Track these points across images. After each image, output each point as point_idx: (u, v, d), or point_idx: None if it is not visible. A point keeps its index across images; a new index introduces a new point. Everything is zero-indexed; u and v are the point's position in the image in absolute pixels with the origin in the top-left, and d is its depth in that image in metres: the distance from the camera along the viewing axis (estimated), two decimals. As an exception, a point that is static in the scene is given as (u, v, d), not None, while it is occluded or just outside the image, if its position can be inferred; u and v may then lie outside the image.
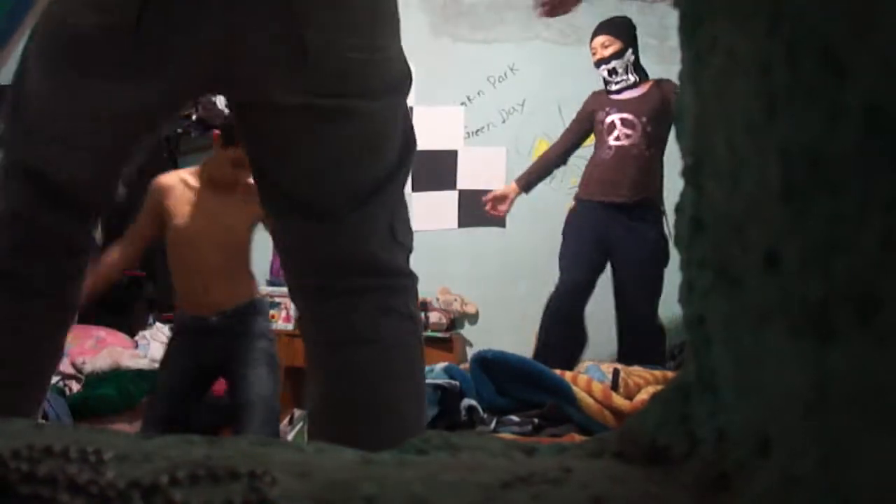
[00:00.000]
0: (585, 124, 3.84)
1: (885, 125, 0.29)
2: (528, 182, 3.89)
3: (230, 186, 2.89)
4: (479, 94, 5.15)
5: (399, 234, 1.26)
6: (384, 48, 1.19)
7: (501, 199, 3.89)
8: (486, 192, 4.98)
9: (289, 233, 1.26)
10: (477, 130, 5.16)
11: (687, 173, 0.52)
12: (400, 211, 1.28)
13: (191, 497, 0.42)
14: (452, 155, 5.12)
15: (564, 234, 3.77)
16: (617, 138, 3.62)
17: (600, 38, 3.73)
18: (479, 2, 5.14)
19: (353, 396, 1.21)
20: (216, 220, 2.88)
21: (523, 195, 3.92)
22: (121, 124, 1.18)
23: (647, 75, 3.75)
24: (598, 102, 3.78)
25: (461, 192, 5.09)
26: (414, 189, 5.18)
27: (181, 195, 2.87)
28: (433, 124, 5.14)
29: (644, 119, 3.59)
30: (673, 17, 0.55)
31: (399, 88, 1.23)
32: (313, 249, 1.23)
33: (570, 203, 3.84)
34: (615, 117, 3.64)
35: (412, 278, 1.30)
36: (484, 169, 5.06)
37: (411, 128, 1.28)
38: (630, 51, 3.72)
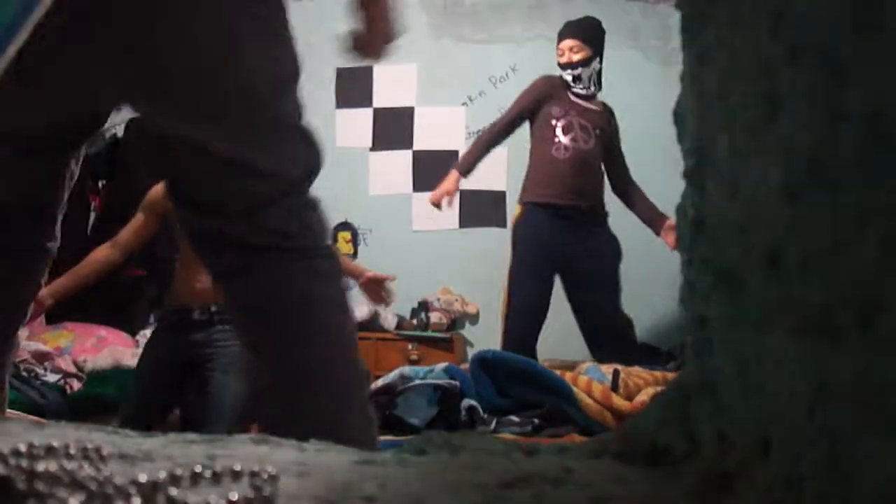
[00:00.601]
0: (531, 106, 3.70)
1: (885, 128, 0.29)
2: (469, 165, 3.77)
3: None
4: (480, 94, 5.14)
5: (313, 225, 1.30)
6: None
7: (449, 192, 3.75)
8: (487, 192, 4.98)
9: (193, 223, 1.31)
10: (478, 130, 5.13)
11: (688, 174, 0.52)
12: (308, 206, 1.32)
13: (191, 495, 0.42)
14: (453, 155, 5.10)
15: (515, 245, 3.62)
16: (574, 139, 3.55)
17: (569, 42, 3.63)
18: (481, 2, 5.13)
19: (280, 361, 1.24)
20: None
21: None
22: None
23: (600, 89, 3.71)
24: (556, 96, 3.66)
25: (462, 193, 5.08)
26: (415, 189, 5.18)
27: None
28: (434, 124, 5.14)
29: (597, 132, 3.58)
30: (676, 19, 0.55)
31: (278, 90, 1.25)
32: (214, 234, 1.26)
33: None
34: (574, 119, 3.58)
35: (334, 256, 1.33)
36: (485, 169, 5.04)
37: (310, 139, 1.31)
38: (597, 60, 3.67)
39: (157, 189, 2.89)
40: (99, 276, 2.87)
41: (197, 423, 2.81)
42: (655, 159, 3.67)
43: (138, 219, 2.92)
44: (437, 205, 3.76)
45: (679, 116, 0.56)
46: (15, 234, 1.28)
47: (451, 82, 5.05)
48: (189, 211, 1.29)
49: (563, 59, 3.65)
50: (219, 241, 1.26)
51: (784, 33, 0.35)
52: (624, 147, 3.80)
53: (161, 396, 2.87)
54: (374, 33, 1.42)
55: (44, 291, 2.57)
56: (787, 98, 0.35)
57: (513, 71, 5.13)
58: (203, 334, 2.89)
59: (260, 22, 1.21)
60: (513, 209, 4.09)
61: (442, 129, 5.13)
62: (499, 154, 5.04)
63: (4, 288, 1.30)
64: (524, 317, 3.52)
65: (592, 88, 3.64)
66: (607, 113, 3.66)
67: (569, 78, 3.63)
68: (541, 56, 5.01)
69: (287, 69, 1.25)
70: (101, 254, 2.87)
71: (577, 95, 3.62)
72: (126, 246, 2.90)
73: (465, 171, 3.77)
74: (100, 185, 4.91)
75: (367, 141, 5.33)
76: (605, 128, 3.59)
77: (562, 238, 3.50)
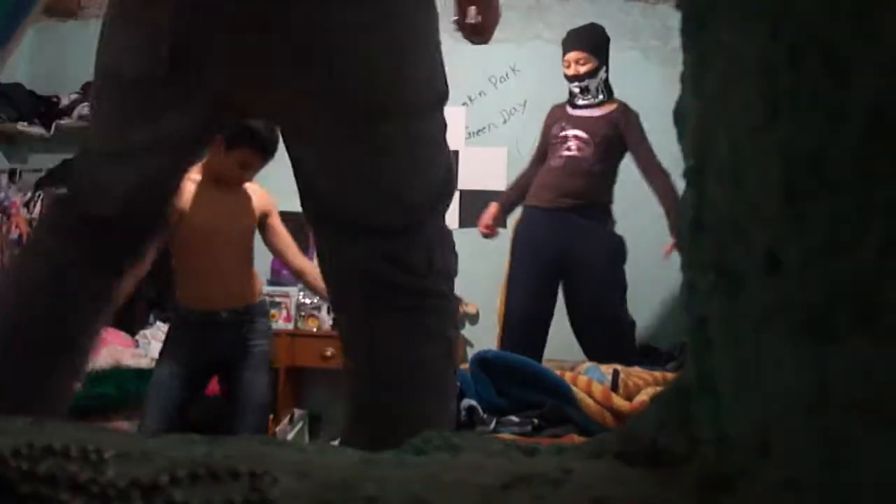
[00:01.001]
0: (546, 137, 3.79)
1: (886, 128, 0.29)
2: (507, 208, 3.86)
3: (235, 186, 2.94)
4: (480, 94, 5.14)
5: (437, 263, 1.26)
6: (413, 65, 1.23)
7: (494, 220, 3.84)
8: (487, 192, 4.98)
9: (330, 252, 1.30)
10: (478, 131, 5.16)
11: (689, 175, 0.52)
12: (442, 240, 1.29)
13: (191, 496, 0.42)
14: (453, 155, 5.12)
15: (514, 249, 3.66)
16: (568, 149, 3.60)
17: (575, 54, 3.64)
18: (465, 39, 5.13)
19: (378, 411, 1.23)
20: (230, 220, 2.94)
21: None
22: (161, 154, 1.25)
23: (612, 93, 3.72)
24: (555, 117, 3.74)
25: (462, 193, 5.08)
26: (415, 189, 5.18)
27: (192, 194, 2.88)
28: (434, 125, 5.14)
29: (597, 139, 3.59)
30: (676, 19, 0.55)
31: (434, 107, 1.28)
32: (353, 268, 1.25)
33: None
34: (570, 132, 3.62)
35: (450, 301, 1.30)
36: (485, 169, 5.06)
37: (450, 166, 1.32)
38: (604, 69, 3.68)
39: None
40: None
41: (230, 420, 2.88)
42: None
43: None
44: (488, 235, 3.87)
45: (679, 117, 0.56)
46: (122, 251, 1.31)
47: (450, 82, 5.04)
48: (342, 235, 1.27)
49: (570, 72, 3.67)
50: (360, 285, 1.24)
51: (784, 34, 0.35)
52: (589, 152, 3.82)
53: (185, 398, 2.89)
54: (486, 17, 1.54)
55: None
56: (787, 99, 0.35)
57: (513, 71, 5.14)
58: (232, 336, 2.93)
59: (423, 37, 1.27)
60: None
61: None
62: (498, 154, 5.05)
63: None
64: (519, 322, 3.54)
65: (600, 97, 3.66)
66: (617, 112, 3.66)
67: (576, 90, 3.66)
68: (540, 56, 5.02)
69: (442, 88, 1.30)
70: None
71: (579, 107, 3.64)
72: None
73: (507, 208, 3.87)
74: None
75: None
76: (607, 133, 3.60)
77: (557, 239, 3.53)
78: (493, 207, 3.88)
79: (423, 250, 1.24)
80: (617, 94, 3.78)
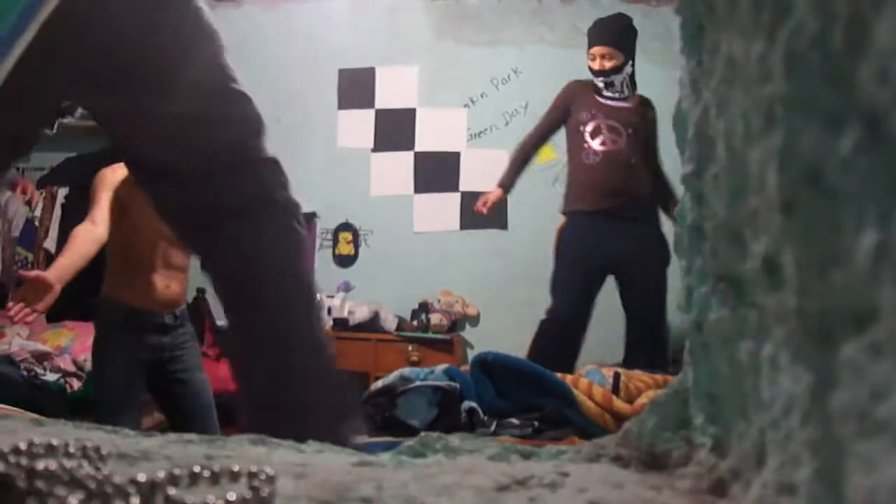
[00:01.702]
0: (561, 114, 3.71)
1: (883, 136, 0.29)
2: (511, 181, 3.83)
3: None
4: (482, 96, 5.15)
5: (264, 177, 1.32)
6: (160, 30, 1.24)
7: (493, 202, 3.87)
8: (487, 194, 4.98)
9: (160, 194, 1.34)
10: (480, 133, 5.16)
11: (687, 181, 0.52)
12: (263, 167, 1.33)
13: (189, 495, 0.42)
14: (455, 157, 5.12)
15: (558, 253, 3.63)
16: (603, 143, 3.52)
17: (601, 49, 3.60)
18: (483, 4, 5.14)
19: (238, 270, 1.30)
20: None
21: (527, 196, 3.91)
22: None
23: (636, 87, 3.70)
24: (583, 100, 3.65)
25: (463, 195, 5.10)
26: (416, 190, 5.19)
27: (136, 191, 2.83)
28: (436, 126, 5.15)
29: (630, 130, 3.55)
30: (677, 22, 0.55)
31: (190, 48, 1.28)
32: (182, 203, 1.31)
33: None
34: (602, 122, 3.55)
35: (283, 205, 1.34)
36: (486, 171, 5.06)
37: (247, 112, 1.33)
38: (630, 63, 3.64)
39: (104, 172, 2.84)
40: (94, 252, 2.77)
41: (189, 419, 2.84)
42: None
43: (105, 197, 2.81)
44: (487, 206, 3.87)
45: (678, 122, 0.56)
46: None
47: (452, 84, 5.06)
48: (154, 182, 1.33)
49: (596, 66, 3.61)
50: (190, 210, 1.30)
51: (781, 41, 0.35)
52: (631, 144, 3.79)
53: (135, 398, 2.83)
54: None
55: (50, 275, 2.54)
56: (785, 105, 0.35)
57: (515, 73, 5.14)
58: (170, 337, 2.88)
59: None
60: (514, 211, 4.11)
61: (443, 130, 5.14)
62: (499, 156, 5.06)
63: None
64: (551, 325, 3.51)
65: (626, 92, 3.62)
66: (643, 107, 3.64)
67: (601, 85, 3.61)
68: (543, 58, 5.03)
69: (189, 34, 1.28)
70: (88, 231, 2.75)
71: (608, 98, 3.60)
72: (105, 222, 2.79)
73: (508, 186, 3.81)
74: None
75: (369, 142, 5.34)
76: (637, 124, 3.57)
77: (606, 242, 3.48)
78: (496, 193, 3.89)
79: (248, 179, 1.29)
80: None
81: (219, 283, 1.33)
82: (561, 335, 3.48)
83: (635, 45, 3.68)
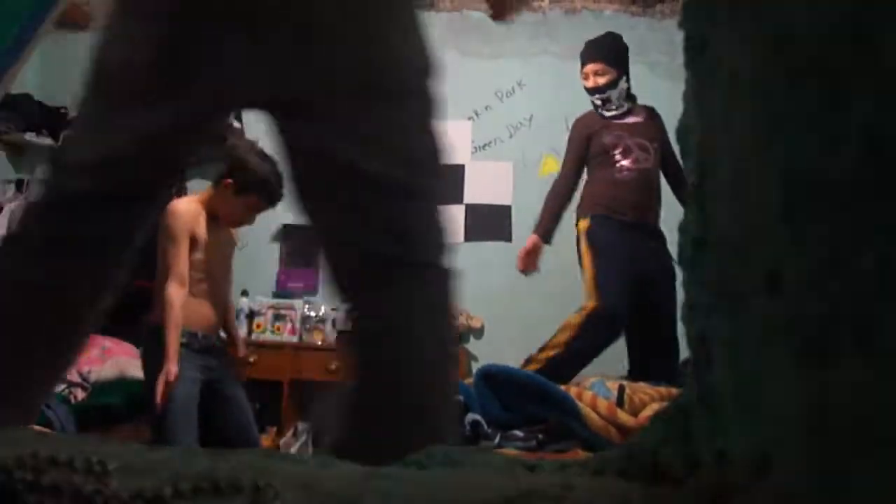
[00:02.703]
0: (583, 151, 3.62)
1: (883, 150, 0.29)
2: (548, 230, 3.64)
3: (234, 225, 3.15)
4: (486, 108, 5.16)
5: (432, 234, 1.30)
6: (396, 45, 1.27)
7: (532, 254, 3.64)
8: (492, 206, 4.98)
9: (325, 224, 1.30)
10: (484, 145, 5.17)
11: (691, 193, 0.52)
12: (435, 214, 1.31)
13: (194, 509, 0.42)
14: (459, 169, 5.13)
15: (598, 251, 3.43)
16: (636, 161, 3.48)
17: (592, 66, 3.57)
18: (488, 17, 5.15)
19: (380, 380, 1.23)
20: (227, 254, 3.14)
21: (532, 209, 3.88)
22: (152, 144, 1.24)
23: (636, 100, 3.67)
24: (596, 126, 3.60)
25: (468, 207, 5.09)
26: (421, 202, 5.18)
27: (204, 225, 3.02)
28: (441, 138, 5.15)
29: (655, 145, 3.52)
30: (682, 35, 0.55)
31: (421, 89, 1.31)
32: (349, 240, 1.26)
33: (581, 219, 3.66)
34: (629, 142, 3.51)
35: (448, 271, 1.31)
36: (491, 184, 5.07)
37: (439, 144, 1.34)
38: (624, 79, 3.61)
39: (184, 210, 2.96)
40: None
41: (234, 432, 3.03)
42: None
43: (183, 246, 2.96)
44: (529, 265, 3.68)
45: (682, 135, 0.57)
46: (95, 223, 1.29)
47: (457, 96, 5.05)
48: (334, 231, 1.28)
49: (589, 84, 3.57)
50: (365, 260, 1.24)
51: (784, 54, 0.35)
52: (657, 162, 3.77)
53: (195, 416, 2.96)
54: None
55: (173, 362, 2.80)
56: (787, 118, 0.35)
57: (519, 86, 5.16)
58: (218, 359, 3.07)
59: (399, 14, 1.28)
60: (518, 223, 4.10)
61: (448, 142, 5.14)
62: (504, 169, 5.06)
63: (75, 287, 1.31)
64: (613, 320, 3.34)
65: (625, 105, 3.60)
66: (657, 118, 3.63)
67: (598, 102, 3.57)
68: (547, 71, 5.04)
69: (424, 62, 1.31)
70: (181, 297, 2.94)
71: (618, 117, 3.57)
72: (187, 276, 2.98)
73: (545, 235, 3.65)
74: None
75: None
76: (663, 138, 3.55)
77: (632, 248, 3.41)
78: (532, 241, 3.67)
79: (420, 220, 1.27)
80: (623, 108, 3.79)
81: (363, 337, 1.27)
82: (610, 334, 3.33)
83: (628, 62, 3.67)
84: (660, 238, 3.51)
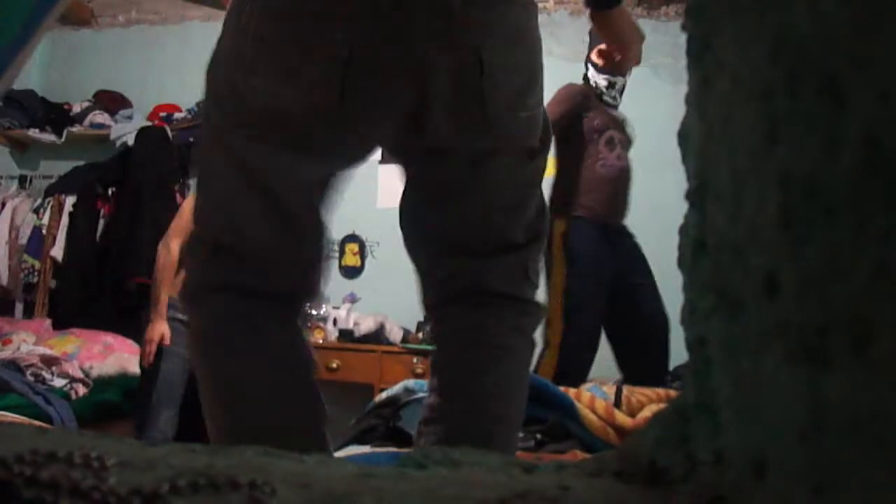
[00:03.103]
0: (572, 119, 3.40)
1: (881, 156, 0.29)
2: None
3: None
4: (491, 109, 5.15)
5: (532, 276, 1.37)
6: (538, 105, 1.30)
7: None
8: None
9: (438, 266, 1.38)
10: (487, 145, 5.16)
11: (691, 196, 0.53)
12: (537, 259, 1.39)
13: (191, 505, 0.42)
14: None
15: (571, 264, 3.28)
16: (619, 157, 3.42)
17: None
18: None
19: (470, 391, 1.30)
20: None
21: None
22: (311, 190, 1.26)
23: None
24: (592, 104, 3.48)
25: (471, 207, 5.09)
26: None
27: None
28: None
29: (627, 144, 3.51)
30: (685, 37, 0.55)
31: (546, 147, 1.35)
32: (460, 280, 1.34)
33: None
34: (615, 134, 3.46)
35: (540, 308, 1.41)
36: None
37: (545, 207, 1.40)
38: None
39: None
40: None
41: None
42: (664, 176, 3.67)
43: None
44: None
45: (683, 138, 0.57)
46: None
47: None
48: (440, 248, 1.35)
49: (603, 63, 3.43)
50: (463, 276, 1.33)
51: (783, 58, 0.35)
52: (633, 163, 3.76)
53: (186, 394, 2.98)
54: (625, 52, 1.66)
55: (161, 319, 2.89)
56: (786, 123, 0.35)
57: (523, 86, 5.14)
58: None
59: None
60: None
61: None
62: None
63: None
64: (583, 350, 3.25)
65: (619, 100, 3.58)
66: (627, 126, 3.62)
67: (604, 84, 3.49)
68: (552, 71, 5.02)
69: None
70: (173, 252, 2.97)
71: (609, 105, 3.53)
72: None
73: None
74: (109, 192, 4.95)
75: (376, 154, 5.33)
76: (631, 143, 3.54)
77: (613, 260, 3.34)
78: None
79: (520, 270, 1.35)
80: (626, 110, 3.78)
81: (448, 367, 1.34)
82: (586, 360, 3.23)
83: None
84: (632, 236, 3.46)
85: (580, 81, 3.62)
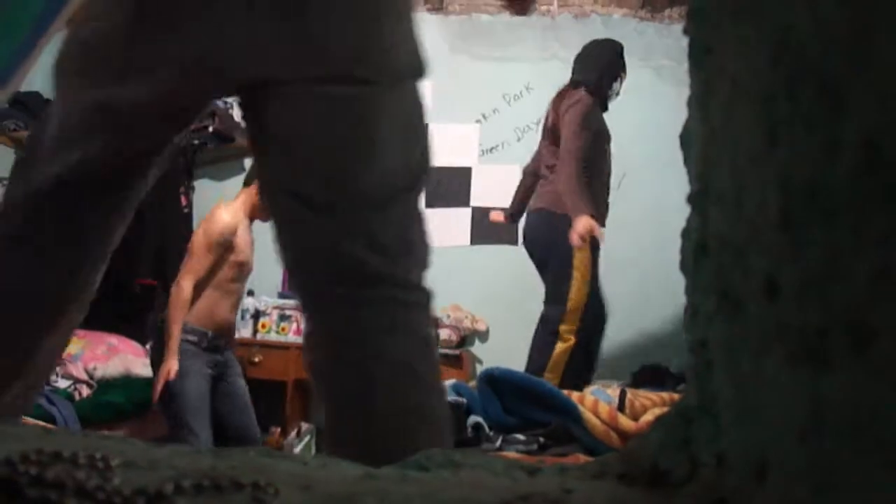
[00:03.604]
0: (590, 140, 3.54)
1: (881, 159, 0.29)
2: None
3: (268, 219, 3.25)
4: (494, 111, 5.16)
5: (410, 247, 1.19)
6: (388, 34, 1.16)
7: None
8: (498, 210, 4.97)
9: (291, 229, 1.21)
10: (492, 148, 5.17)
11: (693, 199, 0.53)
12: (415, 225, 1.21)
13: (194, 506, 0.42)
14: (466, 172, 5.13)
15: (596, 252, 3.48)
16: (609, 167, 3.60)
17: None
18: (497, 20, 5.16)
19: (353, 420, 1.14)
20: (251, 254, 3.31)
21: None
22: (128, 123, 1.18)
23: None
24: (596, 113, 3.60)
25: (474, 210, 5.10)
26: (427, 205, 5.17)
27: (244, 232, 3.22)
28: (448, 141, 5.15)
29: None
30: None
31: (403, 76, 1.19)
32: (315, 248, 1.17)
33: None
34: (610, 147, 3.61)
35: (425, 293, 1.21)
36: (498, 187, 5.06)
37: (427, 148, 1.23)
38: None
39: (227, 221, 3.15)
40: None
41: (236, 421, 3.24)
42: (666, 179, 3.67)
43: (210, 253, 3.15)
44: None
45: (685, 140, 0.57)
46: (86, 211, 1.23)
47: (465, 99, 5.07)
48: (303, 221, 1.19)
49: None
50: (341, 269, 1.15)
51: (783, 62, 0.36)
52: (635, 166, 3.78)
53: (208, 409, 3.15)
54: None
55: (173, 357, 2.99)
56: (786, 125, 0.35)
57: (527, 89, 5.15)
58: (224, 356, 3.27)
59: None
60: (524, 227, 4.09)
61: (455, 145, 5.14)
62: (511, 172, 5.06)
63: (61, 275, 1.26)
64: (599, 330, 3.53)
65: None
66: None
67: (618, 88, 3.68)
68: (555, 74, 5.02)
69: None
70: (187, 294, 3.11)
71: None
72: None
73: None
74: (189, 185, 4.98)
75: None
76: None
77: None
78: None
79: (395, 231, 1.17)
80: (630, 113, 3.80)
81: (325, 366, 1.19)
82: (598, 343, 3.48)
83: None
84: None
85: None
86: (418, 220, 1.22)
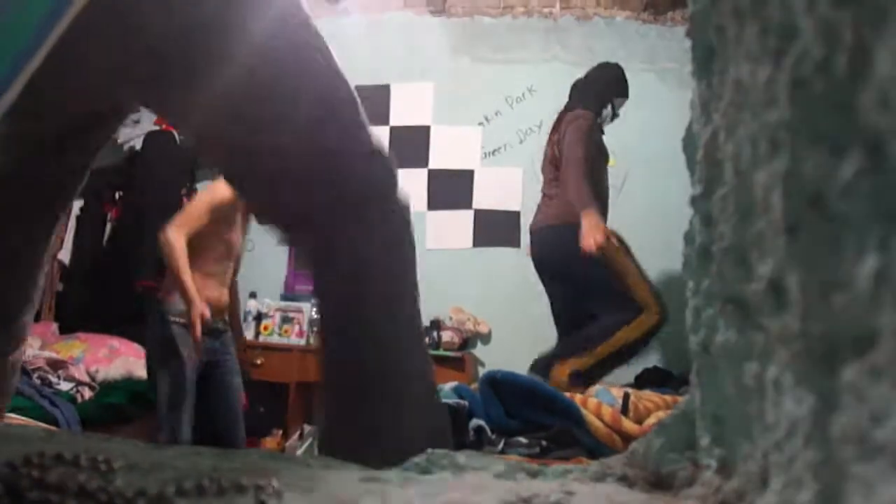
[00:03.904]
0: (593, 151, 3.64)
1: (884, 162, 0.29)
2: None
3: None
4: (496, 114, 5.16)
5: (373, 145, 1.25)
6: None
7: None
8: (501, 212, 4.98)
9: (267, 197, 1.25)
10: (494, 151, 5.17)
11: (696, 203, 0.53)
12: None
13: (197, 508, 0.42)
14: (469, 174, 5.13)
15: (625, 246, 3.51)
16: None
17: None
18: (500, 23, 5.17)
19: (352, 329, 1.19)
20: (240, 232, 3.18)
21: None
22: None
23: None
24: (598, 135, 3.69)
25: (476, 212, 5.10)
26: (430, 207, 5.19)
27: (240, 216, 3.12)
28: (450, 144, 5.15)
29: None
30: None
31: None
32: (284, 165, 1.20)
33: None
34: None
35: (400, 203, 1.29)
36: (500, 189, 5.07)
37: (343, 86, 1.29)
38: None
39: (227, 193, 2.98)
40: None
41: (221, 420, 3.10)
42: (669, 182, 3.68)
43: (208, 206, 3.02)
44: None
45: (688, 143, 0.57)
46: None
47: (467, 102, 5.07)
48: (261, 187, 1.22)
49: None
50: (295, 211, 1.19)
51: (786, 67, 0.35)
52: (639, 169, 3.78)
53: (191, 398, 3.01)
54: None
55: (197, 298, 2.84)
56: (789, 130, 0.35)
57: (529, 92, 5.15)
58: (219, 341, 3.12)
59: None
60: (527, 229, 4.09)
61: (458, 148, 5.15)
62: (513, 174, 5.06)
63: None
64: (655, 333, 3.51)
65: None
66: None
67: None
68: (558, 77, 5.03)
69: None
70: (180, 237, 2.97)
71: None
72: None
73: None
74: (116, 196, 4.96)
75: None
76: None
77: None
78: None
79: (354, 131, 1.23)
80: (632, 116, 3.81)
81: (327, 296, 1.23)
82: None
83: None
84: None
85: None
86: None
